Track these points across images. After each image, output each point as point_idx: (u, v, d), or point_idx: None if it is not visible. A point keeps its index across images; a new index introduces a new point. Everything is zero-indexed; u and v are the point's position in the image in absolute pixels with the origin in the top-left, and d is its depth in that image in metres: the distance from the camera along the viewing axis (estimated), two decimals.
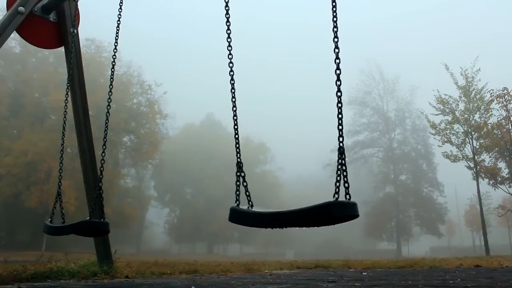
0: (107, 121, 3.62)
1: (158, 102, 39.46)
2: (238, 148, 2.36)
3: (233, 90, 2.43)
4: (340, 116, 1.94)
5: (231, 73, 2.43)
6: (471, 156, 21.66)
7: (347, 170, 1.90)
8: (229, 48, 2.47)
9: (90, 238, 4.46)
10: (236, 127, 2.41)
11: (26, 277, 3.60)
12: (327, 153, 42.55)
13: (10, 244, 29.90)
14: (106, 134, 3.59)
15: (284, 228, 2.00)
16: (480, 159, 21.85)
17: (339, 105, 1.95)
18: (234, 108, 2.43)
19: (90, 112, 4.66)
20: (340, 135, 1.92)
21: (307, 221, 1.88)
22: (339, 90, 1.96)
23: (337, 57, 1.98)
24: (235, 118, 2.41)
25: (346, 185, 1.85)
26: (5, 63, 32.97)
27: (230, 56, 2.45)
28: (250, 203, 2.16)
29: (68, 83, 4.27)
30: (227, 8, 2.50)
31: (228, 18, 2.48)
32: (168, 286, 3.24)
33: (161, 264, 6.75)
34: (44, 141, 29.70)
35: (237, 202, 2.17)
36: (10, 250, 22.31)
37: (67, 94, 4.12)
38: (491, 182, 21.87)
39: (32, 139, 30.08)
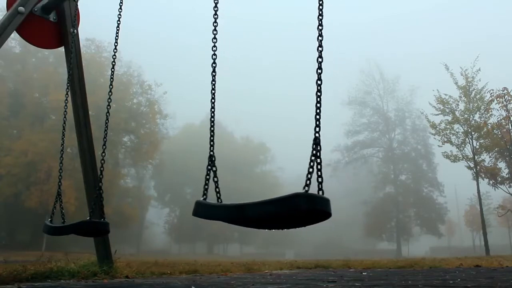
0: (107, 121, 3.62)
1: (158, 102, 39.52)
2: (212, 141, 2.31)
3: (213, 82, 2.41)
4: (318, 105, 1.84)
5: (214, 65, 2.40)
6: (471, 156, 21.65)
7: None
8: (214, 40, 2.43)
9: (90, 238, 4.46)
10: (212, 119, 2.38)
11: (26, 277, 3.59)
12: (327, 153, 42.60)
13: (10, 244, 29.90)
14: (106, 134, 3.59)
15: (257, 229, 1.91)
16: (480, 159, 21.86)
17: (318, 93, 1.87)
18: (213, 100, 2.42)
19: (90, 112, 4.66)
20: (317, 125, 1.80)
21: (272, 214, 1.71)
22: (319, 79, 1.87)
23: (320, 56, 1.93)
24: (212, 110, 2.40)
25: (320, 179, 1.72)
26: (5, 63, 32.97)
27: (214, 48, 2.41)
28: (220, 200, 2.10)
29: (68, 83, 4.27)
30: (216, 9, 2.49)
31: (216, 19, 2.47)
32: (168, 286, 3.24)
33: (161, 264, 6.75)
34: (44, 141, 29.70)
35: (204, 196, 2.09)
36: (10, 250, 22.31)
37: (67, 94, 4.12)
38: (491, 182, 21.87)
39: (32, 139, 30.08)
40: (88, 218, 3.58)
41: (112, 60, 3.82)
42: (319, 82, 1.89)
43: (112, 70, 3.82)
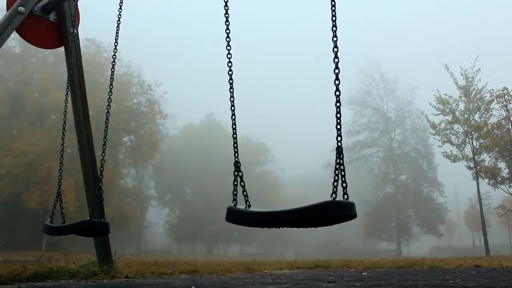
0: (107, 121, 3.62)
1: (158, 102, 39.48)
2: (236, 147, 2.35)
3: (231, 90, 2.43)
4: (338, 115, 1.92)
5: (230, 72, 2.43)
6: (471, 156, 21.64)
7: (345, 170, 1.89)
8: (228, 47, 2.47)
9: (90, 238, 4.46)
10: (234, 126, 2.41)
11: (26, 277, 3.59)
12: (327, 153, 42.54)
13: (10, 244, 29.92)
14: (106, 134, 3.60)
15: (282, 228, 1.99)
16: (480, 159, 21.84)
17: (338, 104, 1.94)
18: (233, 108, 2.43)
19: (90, 112, 4.66)
20: (339, 135, 1.91)
21: (304, 221, 1.87)
22: (337, 90, 1.95)
23: (336, 56, 1.98)
24: (233, 117, 2.42)
25: (344, 184, 1.84)
26: (5, 63, 32.96)
27: (229, 56, 2.45)
28: (248, 203, 2.15)
29: (68, 83, 4.27)
30: (226, 8, 2.50)
31: (227, 18, 2.48)
32: (168, 286, 3.24)
33: (161, 264, 6.75)
34: (44, 141, 29.69)
35: (235, 202, 2.17)
36: (10, 250, 22.33)
37: (67, 94, 4.12)
38: (491, 182, 21.85)
39: (32, 139, 30.06)
40: (88, 218, 3.57)
41: (112, 60, 3.82)
42: (337, 93, 1.96)
43: (112, 70, 3.82)
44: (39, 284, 3.30)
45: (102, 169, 3.50)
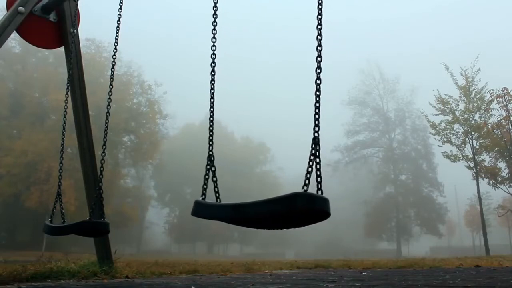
0: (107, 121, 3.62)
1: (158, 102, 39.47)
2: (211, 140, 2.30)
3: (213, 82, 2.42)
4: (317, 104, 1.84)
5: (213, 64, 2.41)
6: (471, 156, 21.64)
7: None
8: (213, 40, 2.43)
9: (90, 238, 4.46)
10: (211, 119, 2.39)
11: (26, 277, 3.59)
12: (327, 153, 42.60)
13: (10, 244, 29.91)
14: (106, 134, 3.60)
15: (256, 229, 1.92)
16: (480, 159, 21.83)
17: (318, 93, 1.86)
18: (212, 100, 2.42)
19: (90, 112, 4.66)
20: (316, 125, 1.80)
21: (270, 214, 1.72)
22: (318, 78, 1.87)
23: (319, 55, 1.94)
24: (211, 110, 2.40)
25: (319, 179, 1.72)
26: (5, 63, 32.97)
27: (213, 48, 2.41)
28: (219, 200, 2.09)
29: (68, 83, 4.27)
30: (215, 9, 2.50)
31: (215, 19, 2.47)
32: (168, 286, 3.24)
33: (161, 264, 6.75)
34: (44, 141, 29.69)
35: (203, 196, 2.10)
36: (10, 250, 22.32)
37: (67, 94, 4.12)
38: (491, 182, 21.84)
39: (32, 139, 30.06)
40: (88, 218, 3.57)
41: (112, 60, 3.82)
42: (318, 81, 1.89)
43: (112, 70, 3.82)
44: (39, 284, 3.30)
45: (102, 169, 3.51)
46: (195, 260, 11.48)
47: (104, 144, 3.60)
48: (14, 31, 4.03)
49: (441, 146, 22.76)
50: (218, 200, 2.10)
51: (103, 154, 3.53)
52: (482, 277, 3.86)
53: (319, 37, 1.95)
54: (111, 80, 3.73)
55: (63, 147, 3.94)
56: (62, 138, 3.99)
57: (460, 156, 21.97)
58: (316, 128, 1.80)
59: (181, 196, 55.71)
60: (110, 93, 3.63)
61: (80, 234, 3.47)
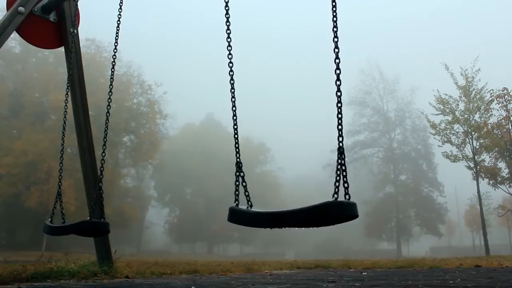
0: (107, 121, 3.62)
1: (158, 102, 39.43)
2: (237, 148, 2.36)
3: (232, 90, 2.43)
4: (340, 116, 1.93)
5: (231, 73, 2.43)
6: (471, 156, 21.64)
7: (347, 170, 1.90)
8: (229, 48, 2.47)
9: (90, 238, 4.46)
10: (235, 127, 2.41)
11: (26, 277, 3.59)
12: (327, 153, 42.56)
13: (10, 244, 29.90)
14: (106, 134, 3.59)
15: (284, 228, 2.00)
16: (480, 159, 21.84)
17: (339, 105, 1.95)
18: (234, 108, 2.43)
19: (90, 112, 4.66)
20: (340, 135, 1.91)
21: (306, 221, 1.88)
22: (338, 90, 1.96)
23: (337, 57, 1.99)
24: (234, 118, 2.41)
25: (346, 185, 1.85)
26: (5, 63, 32.95)
27: (230, 56, 2.45)
28: (250, 203, 2.16)
29: (68, 83, 4.27)
30: (227, 8, 2.50)
31: (228, 18, 2.48)
32: (168, 286, 3.24)
33: (161, 264, 6.75)
34: (44, 141, 29.67)
35: (236, 202, 2.17)
36: (10, 250, 22.31)
37: (67, 94, 4.12)
38: (491, 182, 21.84)
39: (32, 139, 30.04)
40: (88, 218, 3.57)
41: (112, 60, 3.82)
42: (338, 93, 1.97)
43: (112, 70, 3.82)
44: (39, 284, 3.30)
45: (102, 169, 3.50)
46: (195, 260, 11.48)
47: (104, 144, 3.60)
48: (14, 31, 4.03)
49: (441, 146, 22.79)
50: (249, 203, 2.16)
51: (103, 154, 3.53)
52: (482, 277, 3.86)
53: (335, 39, 2.01)
54: (111, 80, 3.72)
55: (63, 147, 3.94)
56: (62, 138, 3.98)
57: (460, 156, 21.98)
58: (340, 139, 1.91)
59: (181, 196, 55.70)
60: (110, 93, 3.63)
61: (80, 234, 3.47)
